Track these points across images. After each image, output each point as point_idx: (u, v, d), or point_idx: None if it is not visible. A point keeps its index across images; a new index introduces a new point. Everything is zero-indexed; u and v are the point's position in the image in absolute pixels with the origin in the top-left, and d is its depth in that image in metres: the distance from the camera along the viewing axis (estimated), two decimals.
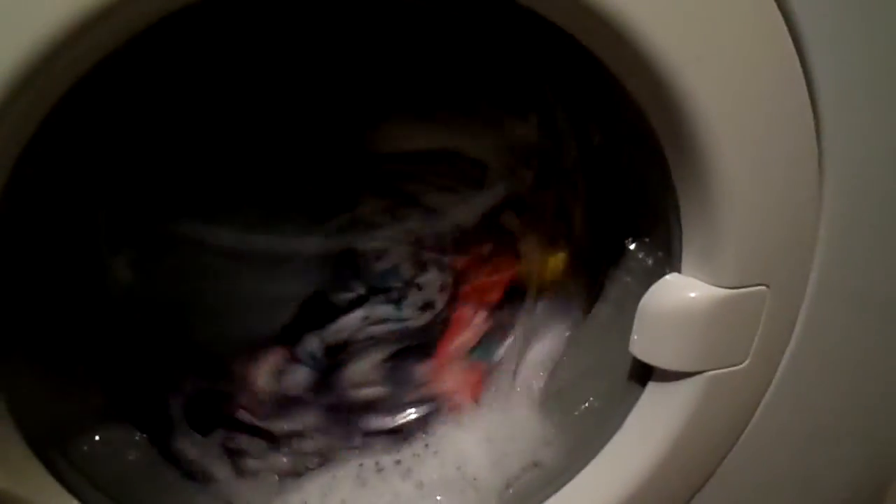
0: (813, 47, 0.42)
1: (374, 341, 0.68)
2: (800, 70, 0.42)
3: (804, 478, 0.61)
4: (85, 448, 0.50)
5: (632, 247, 0.59)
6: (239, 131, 0.59)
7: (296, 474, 0.65)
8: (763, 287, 0.48)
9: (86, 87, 0.39)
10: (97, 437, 0.52)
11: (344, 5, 0.57)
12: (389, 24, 0.59)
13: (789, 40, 0.41)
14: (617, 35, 0.39)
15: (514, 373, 0.69)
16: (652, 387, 0.53)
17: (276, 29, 0.57)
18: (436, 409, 0.70)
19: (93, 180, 0.56)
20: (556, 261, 0.67)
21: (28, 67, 0.33)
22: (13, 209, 0.42)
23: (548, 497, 0.56)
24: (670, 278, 0.50)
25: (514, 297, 0.70)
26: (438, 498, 0.62)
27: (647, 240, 0.57)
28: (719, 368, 0.50)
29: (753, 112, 0.42)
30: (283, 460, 0.66)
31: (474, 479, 0.62)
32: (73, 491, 0.46)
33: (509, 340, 0.71)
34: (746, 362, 0.51)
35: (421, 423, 0.70)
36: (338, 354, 0.68)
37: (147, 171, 0.58)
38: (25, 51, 0.33)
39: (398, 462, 0.66)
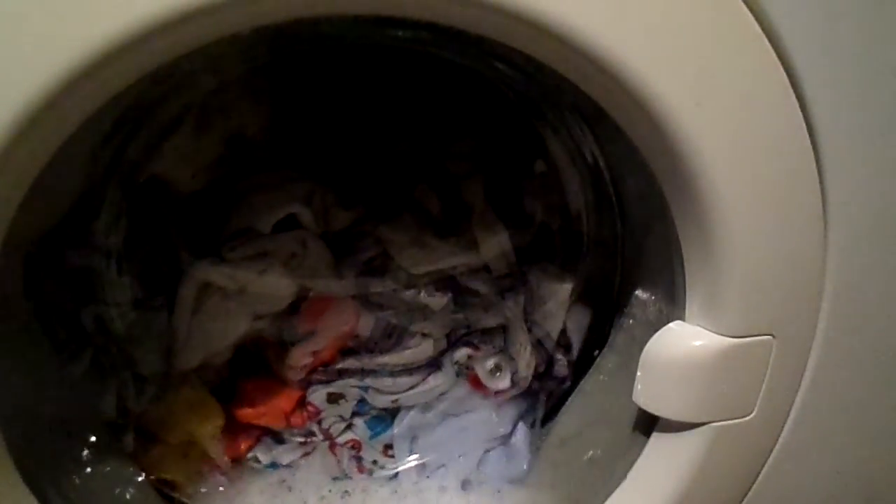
0: (814, 96, 0.42)
1: None
2: (801, 118, 0.43)
3: None
4: (78, 482, 0.50)
5: (637, 295, 0.59)
6: None
7: None
8: (769, 337, 0.47)
9: None
10: (90, 471, 0.52)
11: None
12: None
13: (790, 89, 0.42)
14: (616, 82, 0.39)
15: None
16: (656, 437, 0.52)
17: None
18: None
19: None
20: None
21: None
22: None
23: None
24: (674, 326, 0.49)
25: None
26: None
27: (652, 288, 0.57)
28: (725, 420, 0.49)
29: (755, 160, 0.42)
30: None
31: None
32: None
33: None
34: (753, 414, 0.50)
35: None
36: None
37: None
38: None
39: None
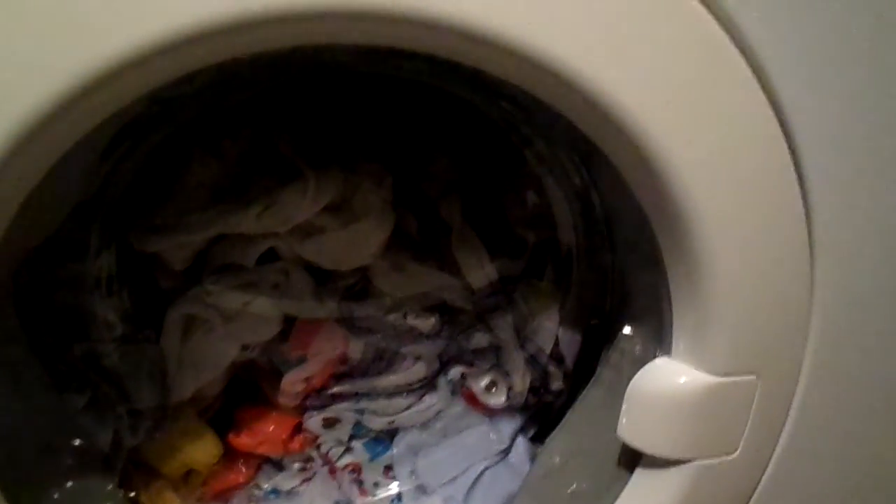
0: (804, 139, 0.42)
1: None
2: (789, 157, 0.42)
3: None
4: (56, 496, 0.50)
5: (625, 330, 0.59)
6: None
7: None
8: (753, 377, 0.47)
9: None
10: (69, 485, 0.52)
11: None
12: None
13: (780, 131, 0.42)
14: (609, 119, 0.39)
15: None
16: (640, 473, 0.52)
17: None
18: None
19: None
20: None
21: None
22: None
23: None
24: (660, 362, 0.49)
25: None
26: None
27: (640, 323, 0.57)
28: (709, 458, 0.49)
29: (744, 201, 0.42)
30: None
31: None
32: None
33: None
34: (737, 452, 0.49)
35: None
36: None
37: None
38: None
39: None
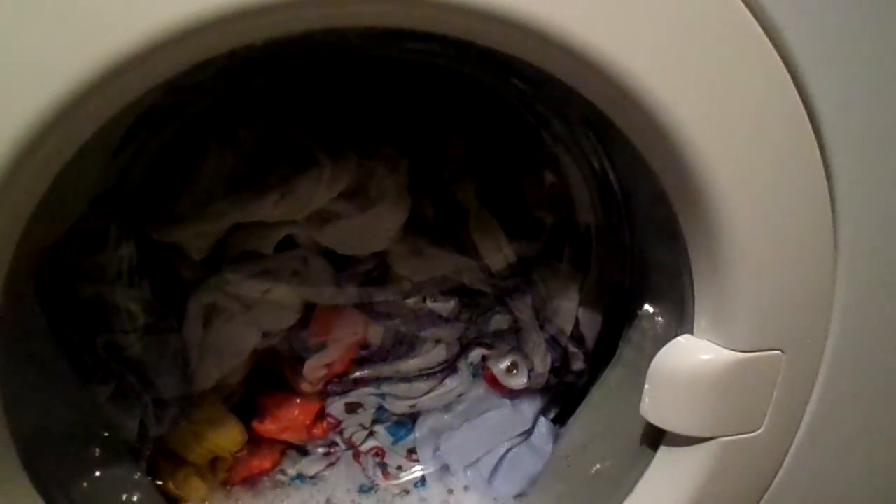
0: (823, 105, 0.41)
1: None
2: (810, 129, 0.42)
3: None
4: (85, 485, 0.51)
5: (646, 308, 0.58)
6: None
7: None
8: (778, 352, 0.47)
9: None
10: (98, 475, 0.53)
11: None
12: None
13: (798, 100, 0.41)
14: (626, 96, 0.39)
15: None
16: (663, 451, 0.51)
17: None
18: None
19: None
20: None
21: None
22: None
23: None
24: (682, 340, 0.49)
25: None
26: None
27: (661, 301, 0.56)
28: (733, 435, 0.48)
29: (765, 174, 0.42)
30: None
31: None
32: None
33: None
34: (761, 430, 0.49)
35: None
36: None
37: None
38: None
39: None
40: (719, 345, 0.47)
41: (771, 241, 0.43)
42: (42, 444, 0.46)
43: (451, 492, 0.70)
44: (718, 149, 0.41)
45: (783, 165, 0.42)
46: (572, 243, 0.69)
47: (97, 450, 0.55)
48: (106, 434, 0.57)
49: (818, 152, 0.42)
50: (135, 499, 0.57)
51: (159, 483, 0.63)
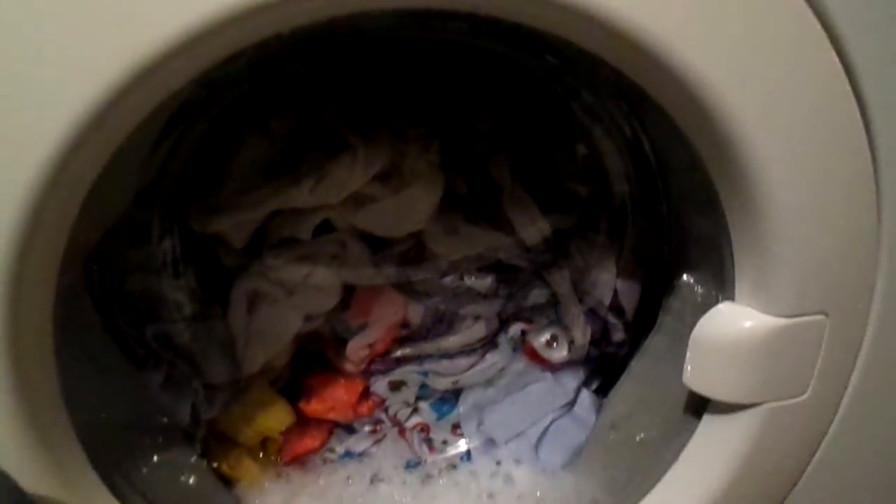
0: (863, 65, 0.40)
1: None
2: (850, 89, 0.41)
3: None
4: (144, 470, 0.53)
5: (685, 276, 0.58)
6: None
7: None
8: (821, 316, 0.46)
9: None
10: (156, 460, 0.55)
11: None
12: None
13: (837, 61, 0.40)
14: (659, 63, 0.39)
15: None
16: (708, 419, 0.51)
17: None
18: None
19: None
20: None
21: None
22: None
23: None
24: (723, 307, 0.49)
25: None
26: None
27: (700, 268, 0.56)
28: (778, 400, 0.48)
29: (804, 136, 0.41)
30: None
31: None
32: None
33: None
34: (807, 394, 0.49)
35: None
36: None
37: None
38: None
39: None
40: (761, 311, 0.46)
41: (812, 205, 0.43)
42: (102, 433, 0.47)
43: (499, 463, 0.71)
44: (755, 113, 0.40)
45: (822, 127, 0.41)
46: (608, 215, 0.68)
47: (154, 436, 0.57)
48: (161, 420, 0.59)
49: (858, 113, 0.41)
50: (191, 481, 0.59)
51: (214, 465, 0.65)
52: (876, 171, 0.43)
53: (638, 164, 0.63)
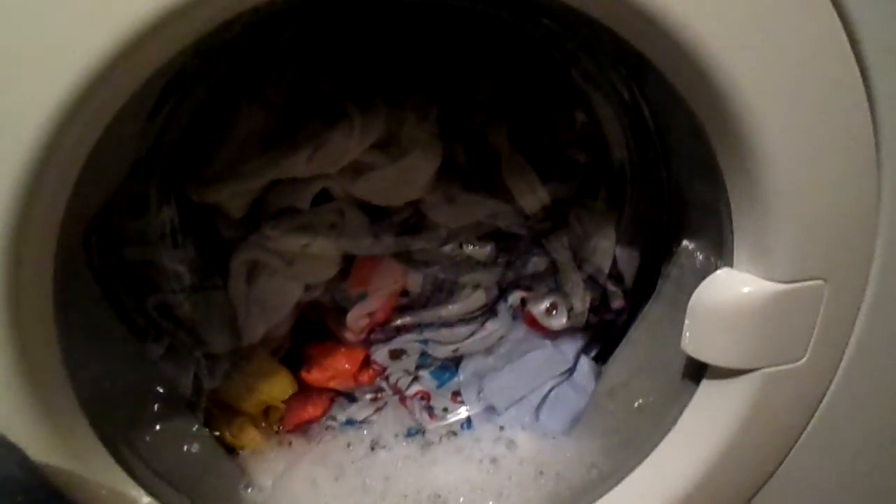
0: (864, 26, 0.40)
1: None
2: (850, 52, 0.40)
3: (869, 480, 0.59)
4: (148, 439, 0.53)
5: (683, 243, 0.58)
6: None
7: None
8: (820, 281, 0.46)
9: None
10: (158, 428, 0.55)
11: None
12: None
13: (838, 21, 0.40)
14: (658, 26, 0.38)
15: None
16: (706, 384, 0.52)
17: None
18: None
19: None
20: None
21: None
22: None
23: (601, 496, 0.55)
24: (722, 273, 0.49)
25: None
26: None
27: (698, 235, 0.56)
28: (775, 366, 0.48)
29: (803, 99, 0.41)
30: None
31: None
32: (136, 478, 0.49)
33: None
34: (804, 359, 0.49)
35: None
36: None
37: None
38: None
39: None
40: (760, 276, 0.46)
41: (811, 171, 0.43)
42: (105, 403, 0.48)
43: (502, 428, 0.71)
44: (754, 78, 0.40)
45: (822, 90, 0.41)
46: (607, 182, 0.68)
47: (156, 405, 0.58)
48: (163, 390, 0.59)
49: (859, 76, 0.41)
50: (194, 449, 0.60)
51: (217, 434, 0.65)
52: (876, 135, 0.43)
53: (637, 131, 0.62)
